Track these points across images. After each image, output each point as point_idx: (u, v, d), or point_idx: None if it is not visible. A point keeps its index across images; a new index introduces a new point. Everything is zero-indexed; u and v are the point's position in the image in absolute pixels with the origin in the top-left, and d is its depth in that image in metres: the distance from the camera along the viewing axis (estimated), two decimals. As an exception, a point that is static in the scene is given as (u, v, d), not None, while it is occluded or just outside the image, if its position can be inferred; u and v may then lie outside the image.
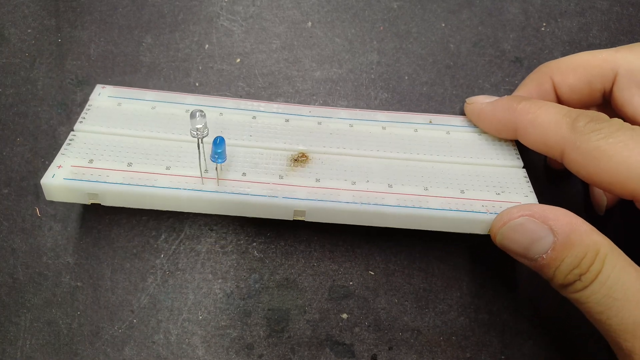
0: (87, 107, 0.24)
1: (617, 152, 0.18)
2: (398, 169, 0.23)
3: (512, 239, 0.20)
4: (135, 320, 0.24)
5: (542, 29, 0.29)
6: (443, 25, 0.29)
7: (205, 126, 0.20)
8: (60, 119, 0.26)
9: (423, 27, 0.28)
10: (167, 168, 0.22)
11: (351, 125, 0.25)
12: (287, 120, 0.25)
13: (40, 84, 0.27)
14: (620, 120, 0.20)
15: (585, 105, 0.24)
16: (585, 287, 0.18)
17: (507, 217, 0.20)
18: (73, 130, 0.23)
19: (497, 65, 0.28)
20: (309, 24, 0.28)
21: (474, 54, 0.28)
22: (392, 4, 0.29)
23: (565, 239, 0.19)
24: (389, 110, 0.27)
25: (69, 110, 0.26)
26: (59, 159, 0.22)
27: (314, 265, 0.25)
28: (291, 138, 0.24)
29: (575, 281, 0.19)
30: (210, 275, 0.25)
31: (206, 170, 0.22)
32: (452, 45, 0.28)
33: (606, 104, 0.24)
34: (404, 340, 0.24)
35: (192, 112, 0.20)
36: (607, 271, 0.18)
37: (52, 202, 0.25)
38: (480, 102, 0.25)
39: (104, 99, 0.25)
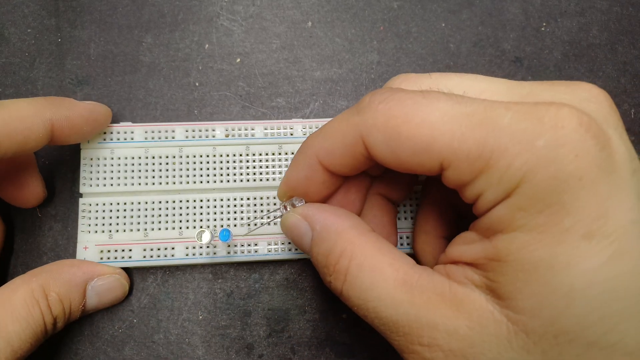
0: (82, 161, 0.25)
1: (413, 113, 0.16)
2: None
3: (289, 233, 0.20)
4: (135, 320, 0.24)
5: (542, 29, 0.29)
6: (443, 25, 0.29)
7: (210, 240, 0.23)
8: (60, 119, 0.26)
9: (423, 27, 0.28)
10: (180, 233, 0.24)
11: None
12: (280, 147, 0.25)
13: (40, 84, 0.27)
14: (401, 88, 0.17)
15: (357, 171, 0.20)
16: (341, 291, 0.18)
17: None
18: (81, 194, 0.24)
19: (497, 65, 0.28)
20: (309, 24, 0.28)
21: (474, 54, 0.28)
22: (392, 4, 0.29)
23: (317, 235, 0.18)
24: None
25: (69, 110, 0.26)
26: (81, 238, 0.24)
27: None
28: (285, 170, 0.25)
29: (330, 282, 0.18)
30: (210, 275, 0.25)
31: (215, 234, 0.24)
32: (452, 45, 0.28)
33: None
34: (404, 340, 0.24)
35: (197, 234, 0.23)
36: (354, 272, 0.17)
37: (52, 202, 0.25)
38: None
39: (95, 146, 0.25)
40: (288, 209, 0.20)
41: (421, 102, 0.16)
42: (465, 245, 0.17)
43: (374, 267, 0.17)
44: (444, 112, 0.15)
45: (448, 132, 0.15)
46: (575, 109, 0.15)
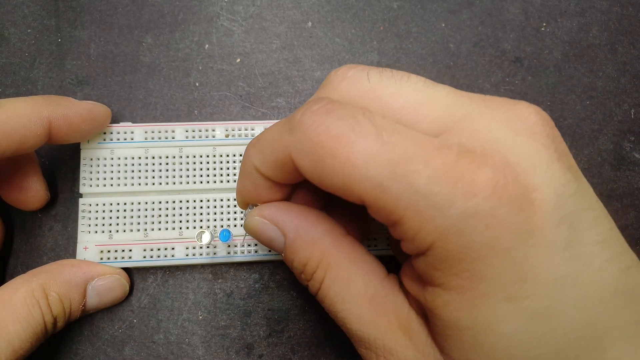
0: (82, 161, 0.25)
1: (339, 148, 0.15)
2: None
3: (255, 236, 0.19)
4: (135, 320, 0.24)
5: (542, 29, 0.29)
6: (443, 25, 0.29)
7: (210, 240, 0.23)
8: (60, 119, 0.26)
9: (423, 27, 0.28)
10: (180, 233, 0.24)
11: None
12: None
13: (40, 84, 0.27)
14: (342, 104, 0.16)
15: (297, 181, 0.19)
16: (316, 294, 0.19)
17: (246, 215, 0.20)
18: (81, 195, 0.24)
19: (497, 65, 0.28)
20: (309, 24, 0.28)
21: (474, 54, 0.28)
22: (392, 4, 0.29)
23: (291, 245, 0.18)
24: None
25: (69, 110, 0.26)
26: (82, 238, 0.24)
27: (314, 265, 0.25)
28: None
29: (307, 286, 0.19)
30: (210, 275, 0.25)
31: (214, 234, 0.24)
32: (452, 45, 0.28)
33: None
34: (404, 340, 0.24)
35: (197, 235, 0.23)
36: (328, 283, 0.18)
37: (52, 202, 0.25)
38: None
39: (95, 146, 0.25)
40: None
41: (349, 136, 0.15)
42: (411, 282, 0.17)
43: (346, 279, 0.18)
44: (368, 155, 0.15)
45: (369, 180, 0.15)
46: (494, 170, 0.14)
